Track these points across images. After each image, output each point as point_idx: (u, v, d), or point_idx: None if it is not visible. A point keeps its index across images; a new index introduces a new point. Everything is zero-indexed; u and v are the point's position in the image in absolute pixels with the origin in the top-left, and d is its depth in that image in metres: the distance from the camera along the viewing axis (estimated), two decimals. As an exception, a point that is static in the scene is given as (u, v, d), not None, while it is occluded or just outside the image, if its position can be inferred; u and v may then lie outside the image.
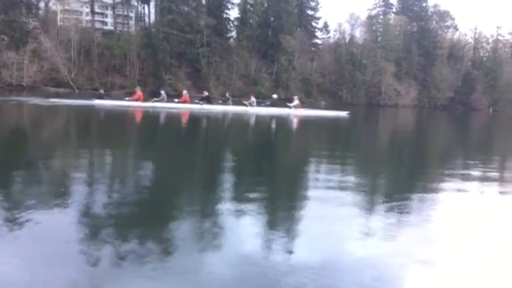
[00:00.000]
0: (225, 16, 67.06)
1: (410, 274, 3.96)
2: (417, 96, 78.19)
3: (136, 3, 65.53)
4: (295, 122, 24.40)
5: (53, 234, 4.40)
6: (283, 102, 33.41)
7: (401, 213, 5.92)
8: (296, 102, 29.85)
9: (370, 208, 6.17)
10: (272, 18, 68.18)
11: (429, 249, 4.56)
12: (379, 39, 75.77)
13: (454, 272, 4.07)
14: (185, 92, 28.70)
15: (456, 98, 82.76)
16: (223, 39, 65.11)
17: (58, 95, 36.59)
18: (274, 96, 33.07)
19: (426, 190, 7.70)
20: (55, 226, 4.63)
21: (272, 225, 5.14)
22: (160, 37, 56.72)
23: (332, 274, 3.77)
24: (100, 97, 26.71)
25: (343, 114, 29.59)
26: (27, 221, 4.69)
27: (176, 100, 27.89)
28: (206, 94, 29.65)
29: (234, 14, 68.59)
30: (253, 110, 27.95)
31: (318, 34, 79.80)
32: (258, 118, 24.88)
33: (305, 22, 75.45)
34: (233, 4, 66.70)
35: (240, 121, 23.14)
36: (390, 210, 6.06)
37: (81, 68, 54.68)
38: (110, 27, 67.82)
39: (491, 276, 4.03)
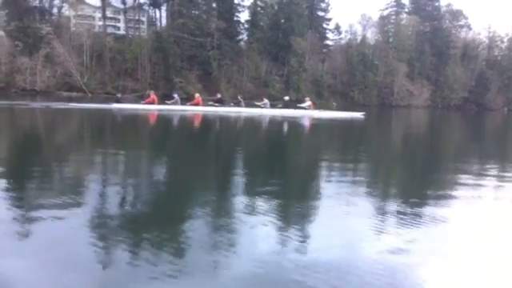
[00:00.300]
0: (235, 19, 67.22)
1: (422, 272, 3.92)
2: (430, 96, 77.35)
3: (147, 8, 66.12)
4: (308, 123, 24.26)
5: (68, 235, 4.42)
6: (294, 103, 33.26)
7: (415, 213, 5.83)
8: (308, 102, 29.71)
9: (386, 207, 6.14)
10: (282, 20, 68.10)
11: (443, 248, 4.52)
12: (391, 39, 75.14)
13: (467, 271, 4.03)
14: (197, 95, 28.94)
15: (470, 97, 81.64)
16: (234, 42, 65.28)
17: (71, 99, 37.18)
18: (286, 98, 32.94)
19: (441, 192, 7.56)
20: (70, 227, 4.64)
21: (285, 223, 5.13)
22: (171, 40, 57.11)
23: (346, 273, 3.75)
24: (118, 101, 27.03)
25: (358, 114, 29.22)
26: (43, 221, 4.76)
27: (189, 103, 28.12)
28: (219, 96, 29.86)
29: (244, 16, 68.86)
30: (266, 111, 27.92)
31: (330, 35, 79.68)
32: (271, 119, 24.84)
33: (316, 24, 75.21)
34: (243, 7, 66.94)
35: (253, 123, 23.18)
36: (404, 209, 5.99)
37: (93, 72, 55.32)
38: (122, 32, 68.57)
39: (501, 275, 3.97)
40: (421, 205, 6.35)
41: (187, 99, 33.57)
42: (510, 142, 23.42)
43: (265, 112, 27.70)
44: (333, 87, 69.68)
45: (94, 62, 56.05)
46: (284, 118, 25.56)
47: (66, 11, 61.26)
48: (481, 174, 9.55)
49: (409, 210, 5.98)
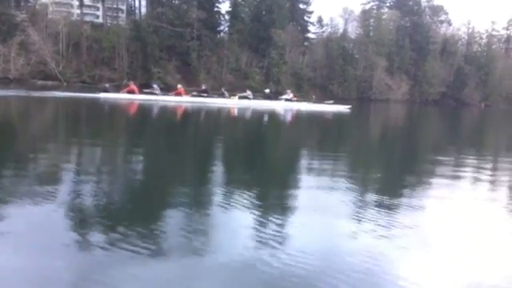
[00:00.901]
0: (216, 10, 66.71)
1: (403, 265, 4.00)
2: (408, 91, 78.15)
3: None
4: (290, 115, 24.63)
5: (44, 221, 4.50)
6: (275, 95, 33.37)
7: (394, 205, 6.01)
8: (290, 95, 29.96)
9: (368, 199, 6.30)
10: (263, 12, 67.88)
11: (422, 240, 4.66)
12: (371, 34, 75.53)
13: (445, 259, 4.16)
14: (179, 86, 29.00)
15: (448, 92, 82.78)
16: (214, 33, 64.85)
17: (45, 88, 36.69)
18: (267, 90, 33.34)
19: (419, 186, 7.76)
20: (48, 217, 4.68)
21: (264, 215, 5.17)
22: (149, 30, 56.52)
23: (328, 268, 3.75)
24: (105, 90, 27.58)
25: (344, 108, 29.99)
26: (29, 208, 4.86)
27: (171, 93, 28.26)
28: (204, 87, 30.02)
29: (225, 7, 68.39)
30: (249, 103, 28.31)
31: (312, 28, 79.70)
32: (254, 111, 25.26)
33: (297, 17, 75.17)
34: (223, -3, 66.42)
35: (236, 114, 23.43)
36: (384, 201, 6.16)
37: (69, 61, 54.40)
38: (101, 20, 67.47)
39: (481, 269, 4.09)
40: (400, 197, 6.57)
41: (166, 89, 33.49)
42: (488, 135, 24.06)
43: (248, 104, 28.04)
44: (312, 80, 69.84)
45: (70, 51, 55.10)
46: (265, 111, 26.00)
47: (42, -2, 60.01)
48: (459, 166, 9.97)
49: (387, 202, 6.15)
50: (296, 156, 10.69)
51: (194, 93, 29.23)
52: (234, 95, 29.65)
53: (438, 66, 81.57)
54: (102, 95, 26.04)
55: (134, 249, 3.86)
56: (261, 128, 18.26)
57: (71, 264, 3.56)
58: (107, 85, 30.49)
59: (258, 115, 24.09)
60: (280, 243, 4.25)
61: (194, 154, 10.11)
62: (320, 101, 32.67)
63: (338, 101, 46.06)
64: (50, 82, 49.45)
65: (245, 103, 28.15)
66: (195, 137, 13.73)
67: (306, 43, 76.82)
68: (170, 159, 8.99)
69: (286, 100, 29.44)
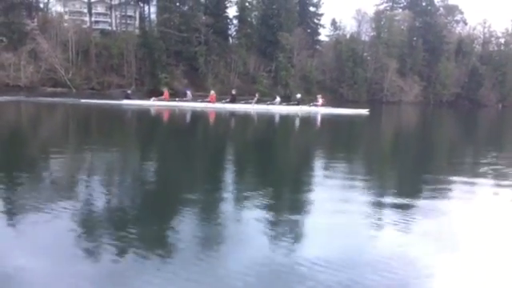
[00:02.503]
0: (223, 14, 66.98)
1: (422, 267, 3.95)
2: (422, 92, 76.71)
3: (136, 3, 65.95)
4: (318, 120, 25.13)
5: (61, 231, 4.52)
6: (304, 101, 33.71)
7: (414, 208, 5.97)
8: (320, 100, 30.71)
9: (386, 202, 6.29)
10: (271, 16, 67.81)
11: (443, 242, 4.59)
12: (382, 35, 74.50)
13: (470, 264, 4.11)
14: (212, 92, 29.67)
15: (462, 93, 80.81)
16: (221, 37, 65.05)
17: (55, 95, 37.54)
18: (298, 95, 33.78)
19: (440, 187, 7.70)
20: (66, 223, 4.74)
21: (281, 219, 5.16)
22: (156, 36, 57.16)
23: (348, 273, 3.70)
24: (127, 96, 27.86)
25: (363, 111, 30.30)
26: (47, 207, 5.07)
27: (201, 100, 28.86)
28: (234, 92, 30.35)
29: (232, 12, 68.63)
30: (279, 108, 29.10)
31: (326, 30, 79.22)
32: (282, 117, 25.86)
33: (307, 20, 74.91)
34: (231, 2, 66.64)
35: (265, 120, 23.98)
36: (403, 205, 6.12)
37: (78, 68, 55.50)
38: (114, 28, 68.59)
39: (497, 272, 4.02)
40: (422, 199, 6.55)
41: (173, 95, 33.86)
42: (509, 137, 23.55)
43: (279, 109, 28.79)
44: (322, 83, 69.31)
45: (79, 58, 56.24)
46: (296, 115, 26.64)
47: (53, 7, 61.52)
48: (482, 167, 9.92)
49: (409, 204, 6.12)
50: (324, 159, 10.88)
51: (223, 100, 29.79)
52: (263, 101, 30.42)
53: (452, 66, 79.86)
54: (125, 102, 26.33)
55: (148, 255, 3.88)
56: (292, 132, 18.73)
57: (87, 270, 3.61)
58: (129, 91, 30.83)
59: (288, 120, 24.61)
60: (296, 251, 4.18)
61: (220, 158, 10.37)
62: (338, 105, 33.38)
63: (348, 104, 45.85)
64: (59, 89, 50.62)
65: (274, 108, 28.66)
66: (230, 142, 14.11)
67: (317, 46, 76.52)
68: (212, 163, 9.39)
69: (315, 105, 29.98)
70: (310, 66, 68.30)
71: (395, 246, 4.28)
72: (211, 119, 22.33)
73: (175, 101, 27.26)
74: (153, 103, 26.76)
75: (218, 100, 29.26)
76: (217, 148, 12.06)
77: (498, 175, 9.01)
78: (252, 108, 28.19)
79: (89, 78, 55.42)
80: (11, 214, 5.00)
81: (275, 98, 31.08)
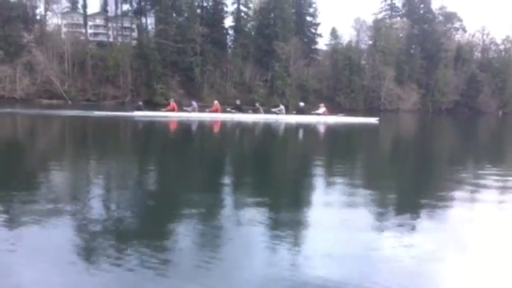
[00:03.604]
0: (220, 25, 67.37)
1: (423, 270, 4.02)
2: (420, 100, 76.41)
3: (134, 15, 66.46)
4: (323, 129, 24.84)
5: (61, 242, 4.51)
6: (308, 110, 33.48)
7: (418, 218, 5.97)
8: (323, 108, 30.26)
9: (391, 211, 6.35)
10: (267, 26, 68.11)
11: (446, 252, 4.56)
12: (377, 43, 74.46)
13: (465, 268, 4.19)
14: (216, 102, 29.61)
15: (461, 101, 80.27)
16: (217, 47, 65.40)
17: (51, 107, 37.82)
18: (301, 104, 33.41)
19: (443, 195, 7.66)
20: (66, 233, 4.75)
21: (283, 230, 5.11)
22: (151, 47, 57.56)
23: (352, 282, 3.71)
24: (139, 108, 27.96)
25: (373, 120, 30.10)
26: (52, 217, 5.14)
27: (207, 110, 28.94)
28: (238, 102, 30.39)
29: (228, 22, 69.03)
30: (283, 117, 28.82)
31: (325, 40, 79.40)
32: (287, 126, 25.64)
33: (304, 29, 75.18)
34: (227, 13, 67.10)
35: (270, 129, 23.85)
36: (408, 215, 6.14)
37: (74, 80, 55.98)
38: (111, 39, 69.17)
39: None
40: (426, 208, 6.50)
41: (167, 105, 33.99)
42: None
43: (281, 119, 28.48)
44: (318, 92, 69.31)
45: (75, 70, 56.76)
46: (299, 125, 26.22)
47: (49, 20, 62.19)
48: (487, 176, 9.64)
49: (411, 215, 6.13)
50: (331, 168, 10.80)
51: (228, 109, 29.83)
52: (267, 110, 30.34)
53: (451, 73, 79.56)
54: (136, 113, 26.53)
55: (149, 264, 3.88)
56: (296, 142, 18.67)
57: (86, 280, 3.59)
58: (140, 102, 30.95)
59: (292, 129, 24.42)
60: (299, 264, 4.11)
61: (226, 168, 10.52)
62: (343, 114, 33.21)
63: (346, 112, 45.54)
64: (55, 101, 50.98)
65: (280, 118, 28.46)
66: (226, 152, 13.99)
67: (314, 55, 76.62)
68: (202, 174, 9.30)
69: (318, 114, 29.57)
70: (306, 75, 68.40)
71: (400, 258, 4.35)
72: (216, 129, 22.34)
73: (187, 111, 27.31)
74: (164, 114, 26.99)
75: (223, 110, 29.35)
76: (235, 159, 12.24)
77: (506, 186, 8.89)
78: (263, 118, 28.15)
79: (84, 90, 55.86)
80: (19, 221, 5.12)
81: (278, 106, 30.80)
